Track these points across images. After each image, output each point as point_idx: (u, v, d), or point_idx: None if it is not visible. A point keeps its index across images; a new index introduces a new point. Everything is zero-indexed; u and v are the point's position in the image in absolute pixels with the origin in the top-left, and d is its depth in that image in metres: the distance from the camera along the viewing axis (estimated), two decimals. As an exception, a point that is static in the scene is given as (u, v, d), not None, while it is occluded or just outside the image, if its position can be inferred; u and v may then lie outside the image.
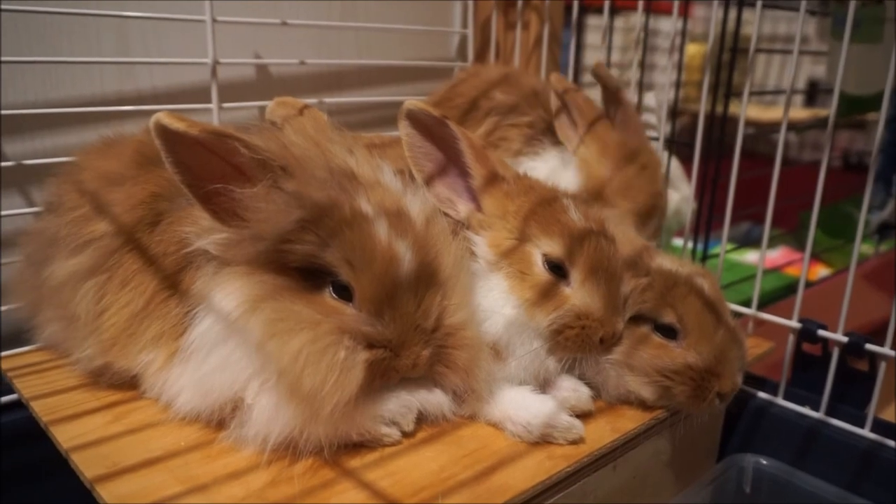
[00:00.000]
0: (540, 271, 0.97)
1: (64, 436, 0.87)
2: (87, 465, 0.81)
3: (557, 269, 0.97)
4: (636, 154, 1.37)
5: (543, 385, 0.97)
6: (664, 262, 1.07)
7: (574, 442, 0.91)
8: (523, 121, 1.43)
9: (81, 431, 0.88)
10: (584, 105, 1.37)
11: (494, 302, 0.96)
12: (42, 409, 0.93)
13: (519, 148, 1.40)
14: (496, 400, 0.92)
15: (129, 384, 0.95)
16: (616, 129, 1.40)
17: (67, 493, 0.94)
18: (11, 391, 1.04)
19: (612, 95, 1.40)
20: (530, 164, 1.38)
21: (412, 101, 1.00)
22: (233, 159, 0.81)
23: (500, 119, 1.44)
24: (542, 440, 0.91)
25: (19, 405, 1.04)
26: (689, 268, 1.08)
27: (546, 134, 1.42)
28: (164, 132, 0.78)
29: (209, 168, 0.81)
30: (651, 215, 1.38)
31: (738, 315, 1.35)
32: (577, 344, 0.96)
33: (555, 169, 1.38)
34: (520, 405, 0.91)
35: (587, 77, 2.15)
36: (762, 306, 1.34)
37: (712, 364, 0.99)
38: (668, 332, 1.01)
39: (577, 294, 0.96)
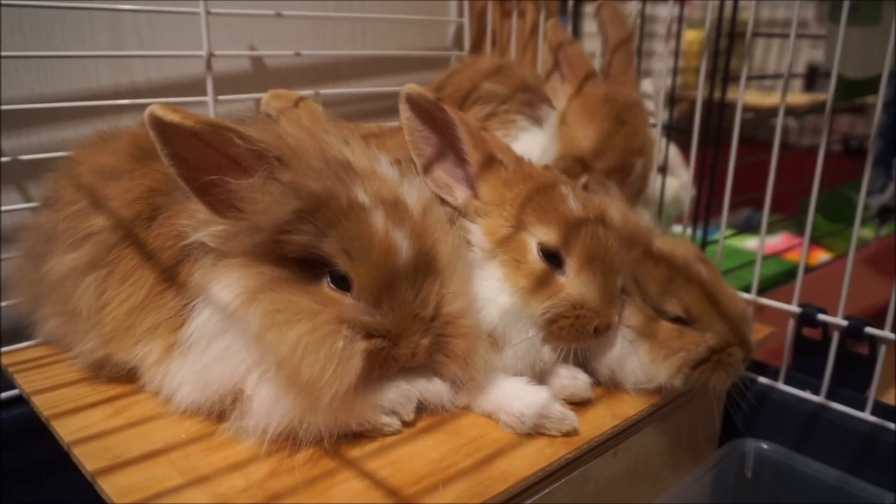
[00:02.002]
0: (535, 259, 0.96)
1: (65, 430, 0.87)
2: (88, 459, 0.81)
3: (553, 258, 0.97)
4: (619, 110, 1.33)
5: (540, 375, 0.97)
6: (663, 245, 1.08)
7: (567, 433, 0.90)
8: (502, 109, 1.42)
9: (82, 425, 0.88)
10: (576, 61, 1.36)
11: (490, 291, 0.96)
12: (43, 404, 0.93)
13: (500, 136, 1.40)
14: (490, 390, 0.92)
15: (129, 378, 0.95)
16: (608, 83, 1.37)
17: (68, 489, 0.95)
18: (12, 386, 1.05)
19: (618, 45, 1.38)
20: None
21: (411, 86, 1.00)
22: (228, 151, 0.81)
23: (484, 108, 1.43)
24: (535, 431, 0.90)
25: (19, 401, 1.04)
26: (680, 248, 1.09)
27: (522, 115, 1.41)
28: (159, 124, 0.77)
29: (204, 160, 0.81)
30: (624, 174, 1.34)
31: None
32: (570, 334, 0.96)
33: (530, 143, 1.37)
34: (513, 395, 0.91)
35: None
36: (764, 292, 1.34)
37: (730, 338, 1.02)
38: (679, 320, 1.02)
39: (573, 283, 0.96)
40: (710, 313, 1.02)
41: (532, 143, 1.38)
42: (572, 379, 0.97)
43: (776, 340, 1.30)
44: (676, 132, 1.73)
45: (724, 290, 1.06)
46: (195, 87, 1.39)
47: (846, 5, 1.14)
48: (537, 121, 1.41)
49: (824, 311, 1.26)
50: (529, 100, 1.43)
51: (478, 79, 1.48)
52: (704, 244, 1.67)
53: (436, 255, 0.89)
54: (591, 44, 2.18)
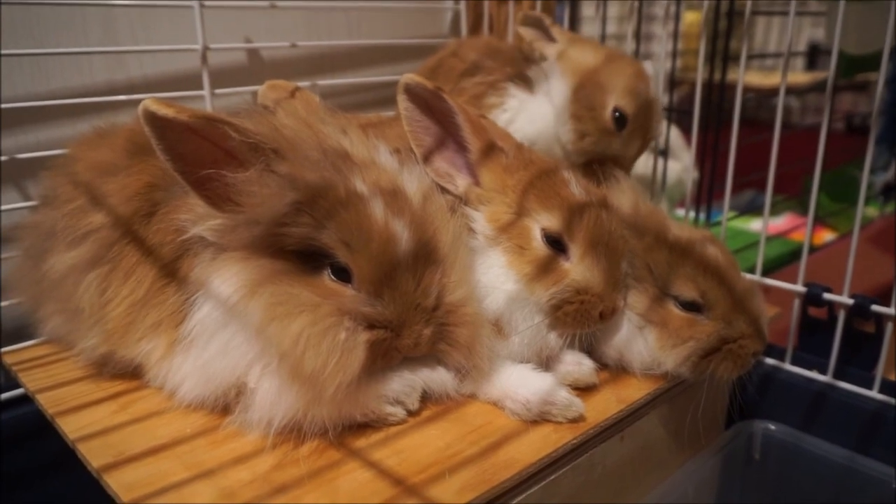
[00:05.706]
0: (538, 245, 0.96)
1: (70, 427, 0.87)
2: (93, 455, 0.81)
3: (556, 244, 0.96)
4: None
5: (546, 362, 0.97)
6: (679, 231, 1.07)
7: (573, 420, 0.90)
8: (492, 78, 1.41)
9: (87, 422, 0.88)
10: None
11: (495, 278, 0.95)
12: (47, 402, 0.93)
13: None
14: (495, 378, 0.92)
15: (133, 374, 0.95)
16: None
17: (72, 488, 0.95)
18: (15, 386, 1.05)
19: None
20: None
21: (409, 75, 0.99)
22: (224, 144, 0.80)
23: (486, 79, 1.42)
24: (541, 418, 0.89)
25: (23, 401, 1.04)
26: (697, 234, 1.08)
27: (512, 82, 1.41)
28: (153, 119, 0.77)
29: (200, 154, 0.80)
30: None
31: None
32: (575, 319, 0.95)
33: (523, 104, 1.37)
34: (519, 382, 0.90)
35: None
36: (769, 273, 1.33)
37: (744, 328, 1.00)
38: (692, 307, 1.01)
39: (577, 269, 0.95)
40: (725, 300, 1.01)
41: (531, 107, 1.37)
42: (577, 365, 0.97)
43: (782, 321, 1.30)
44: (678, 115, 1.72)
45: (742, 280, 1.05)
46: (191, 81, 1.39)
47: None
48: (528, 87, 1.40)
49: (830, 291, 1.25)
50: (518, 71, 1.43)
51: (473, 56, 1.46)
52: (708, 227, 1.66)
53: (437, 243, 0.89)
54: (590, 28, 2.17)
